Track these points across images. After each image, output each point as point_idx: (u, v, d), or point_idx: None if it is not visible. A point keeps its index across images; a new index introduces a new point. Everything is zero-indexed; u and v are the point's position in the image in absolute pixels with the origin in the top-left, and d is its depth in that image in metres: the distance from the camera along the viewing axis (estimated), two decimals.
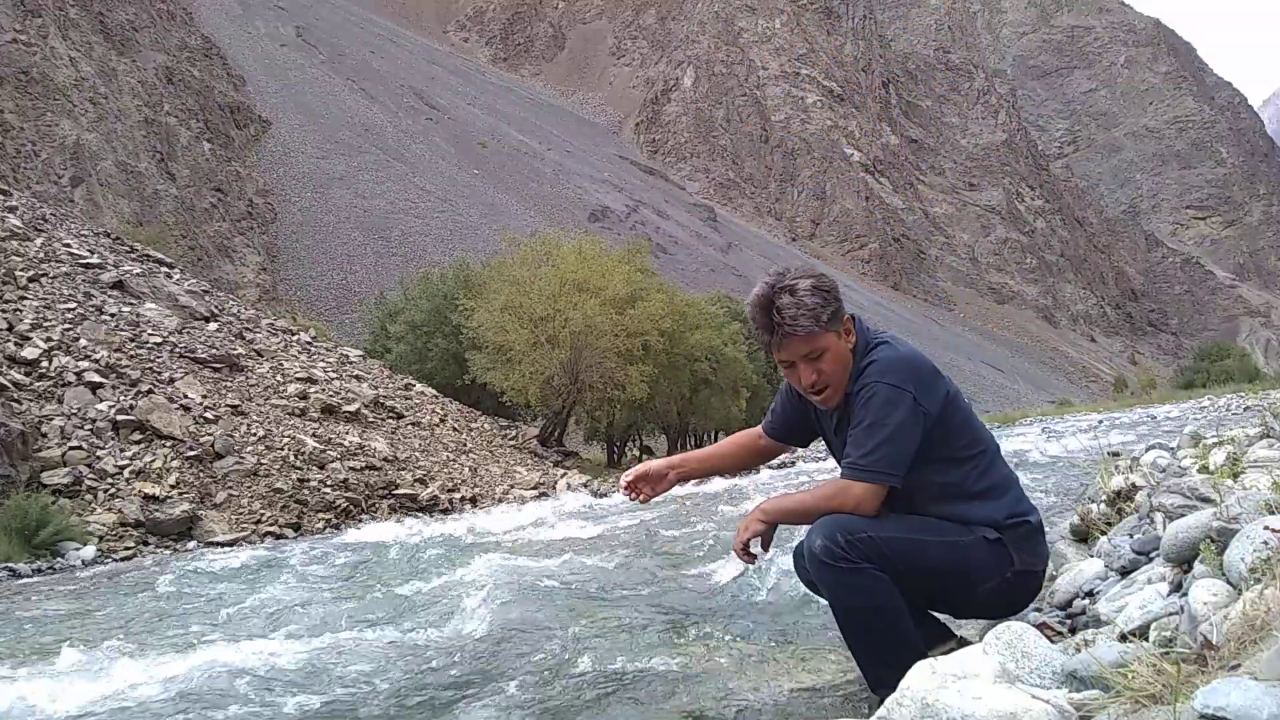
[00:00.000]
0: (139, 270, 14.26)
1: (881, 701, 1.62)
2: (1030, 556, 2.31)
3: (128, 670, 3.23)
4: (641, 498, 2.61)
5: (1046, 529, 4.31)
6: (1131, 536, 2.61)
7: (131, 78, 44.49)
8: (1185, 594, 1.76)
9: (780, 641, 3.02)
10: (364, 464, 11.47)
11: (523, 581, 4.85)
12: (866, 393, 2.22)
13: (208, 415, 10.57)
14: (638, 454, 26.26)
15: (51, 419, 9.15)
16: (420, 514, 10.59)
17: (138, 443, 9.49)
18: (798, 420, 2.56)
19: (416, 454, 12.99)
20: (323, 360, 15.26)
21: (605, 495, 12.52)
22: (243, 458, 10.09)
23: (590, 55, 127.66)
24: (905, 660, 2.01)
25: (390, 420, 14.04)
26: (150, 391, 10.35)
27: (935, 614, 2.45)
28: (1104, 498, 3.36)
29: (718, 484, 12.86)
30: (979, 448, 2.33)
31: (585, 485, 14.02)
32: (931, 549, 2.19)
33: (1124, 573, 2.44)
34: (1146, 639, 1.76)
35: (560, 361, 18.28)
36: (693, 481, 2.72)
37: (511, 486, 13.25)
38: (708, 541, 5.69)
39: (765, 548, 2.39)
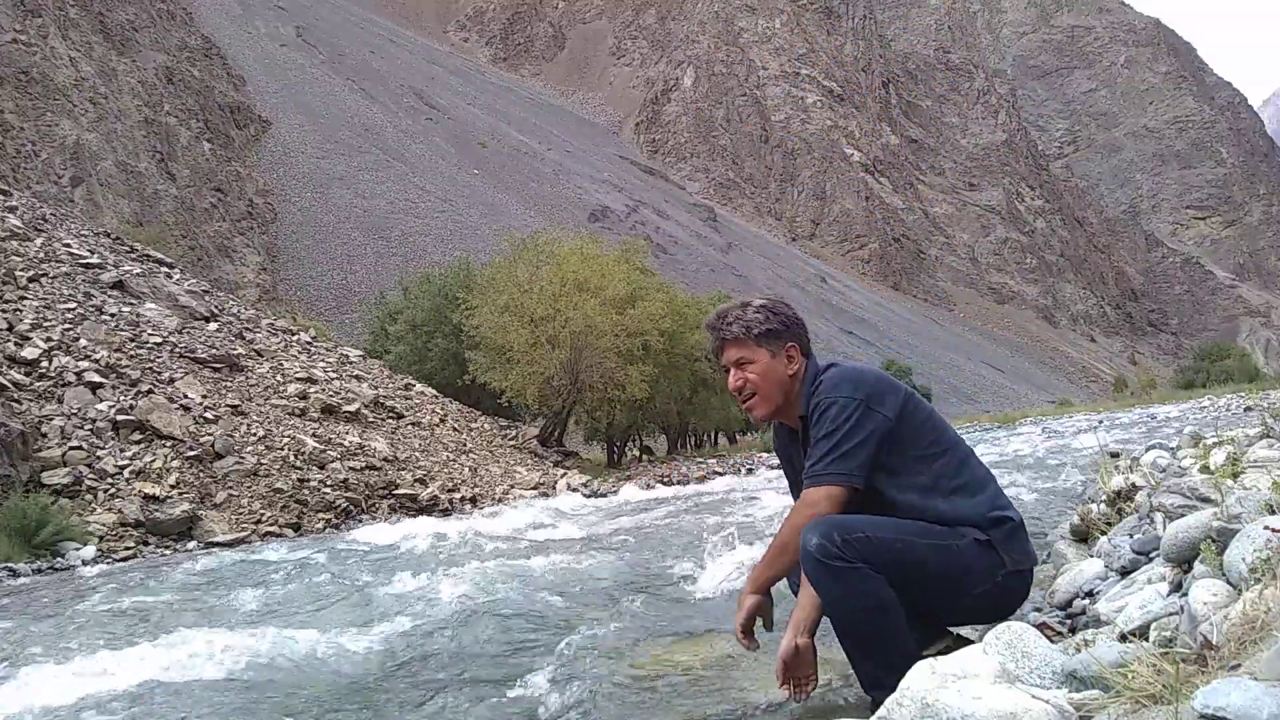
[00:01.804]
0: (139, 270, 14.25)
1: (879, 701, 1.62)
2: (1020, 556, 2.32)
3: (126, 670, 3.23)
4: (811, 687, 2.25)
5: (1047, 529, 4.32)
6: (1131, 536, 2.61)
7: (131, 78, 44.49)
8: (1185, 594, 1.76)
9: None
10: (364, 464, 11.46)
11: (522, 582, 4.85)
12: (819, 409, 2.31)
13: (208, 415, 10.57)
14: (638, 454, 26.22)
15: (51, 419, 9.15)
16: (420, 514, 10.58)
17: (138, 443, 9.49)
18: (796, 471, 2.57)
19: (416, 454, 12.99)
20: (323, 360, 15.25)
21: (605, 495, 12.52)
22: (243, 458, 10.09)
23: (590, 55, 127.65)
24: (899, 660, 2.01)
25: (390, 420, 14.04)
26: (150, 391, 10.34)
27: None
28: (1104, 498, 3.37)
29: (717, 485, 12.87)
30: (946, 444, 2.37)
31: (585, 485, 14.02)
32: (925, 550, 2.20)
33: (1124, 573, 2.44)
34: (1146, 639, 1.75)
35: (560, 361, 18.26)
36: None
37: (511, 486, 13.25)
38: (707, 542, 5.68)
39: (768, 625, 2.31)
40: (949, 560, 2.22)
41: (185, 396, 10.70)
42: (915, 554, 2.19)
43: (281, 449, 10.71)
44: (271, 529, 9.23)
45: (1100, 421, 24.67)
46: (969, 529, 2.27)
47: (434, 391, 18.09)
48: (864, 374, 2.35)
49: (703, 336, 20.21)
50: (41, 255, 12.36)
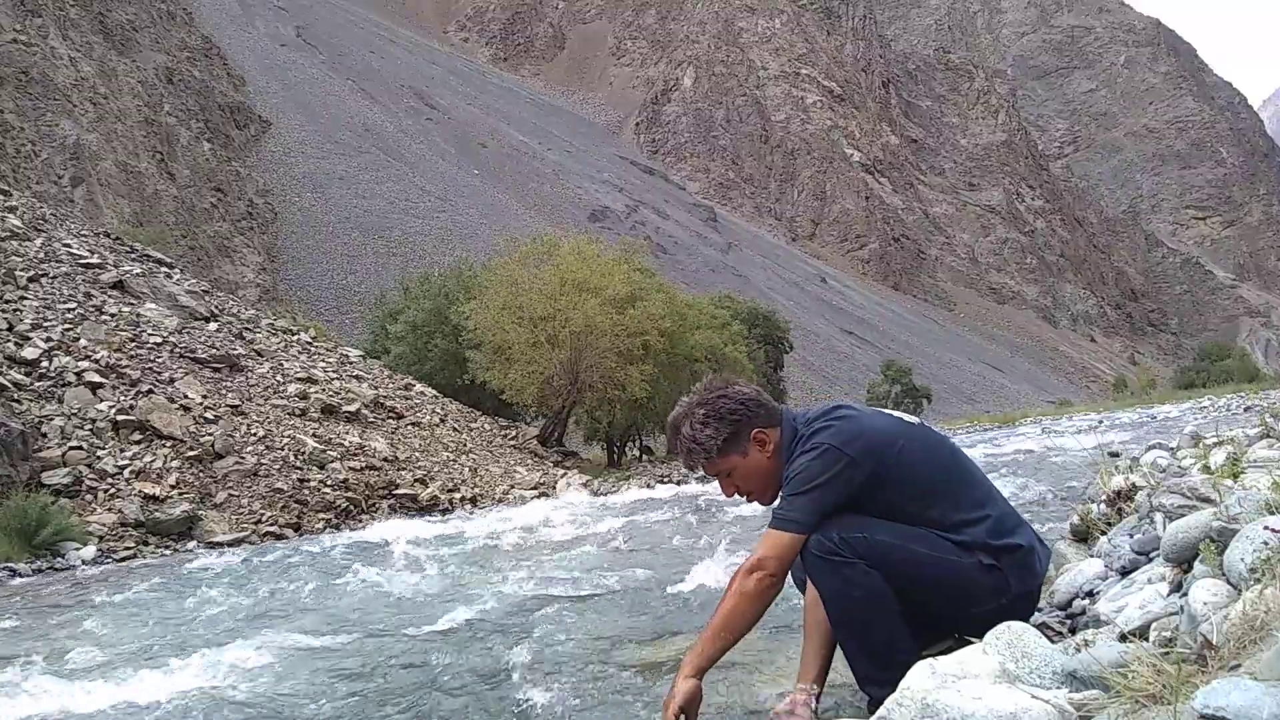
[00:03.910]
0: (139, 270, 14.25)
1: (875, 700, 1.61)
2: (1029, 577, 2.27)
3: (123, 671, 3.23)
4: None
5: (1047, 529, 4.31)
6: (1131, 536, 2.60)
7: (131, 78, 44.49)
8: (1185, 594, 1.76)
9: (778, 642, 3.02)
10: (364, 464, 11.46)
11: (521, 582, 4.86)
12: (794, 456, 2.26)
13: (208, 415, 10.57)
14: (638, 454, 26.22)
15: (51, 419, 9.15)
16: (420, 514, 10.59)
17: (138, 443, 9.49)
18: None
19: (416, 454, 12.99)
20: (323, 360, 15.25)
21: (605, 495, 12.52)
22: (243, 458, 10.09)
23: (590, 55, 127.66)
24: (894, 659, 2.01)
25: (390, 420, 14.04)
26: (150, 391, 10.34)
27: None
28: (1104, 498, 3.36)
29: (717, 485, 12.87)
30: (941, 475, 2.29)
31: (585, 485, 14.02)
32: (925, 560, 2.17)
33: (1124, 573, 2.44)
34: (1146, 639, 1.75)
35: (560, 361, 18.26)
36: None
37: (511, 486, 13.25)
38: (705, 542, 5.69)
39: (693, 717, 2.11)
40: (951, 572, 2.18)
41: (185, 396, 10.70)
42: (916, 561, 2.16)
43: (281, 449, 10.71)
44: (271, 529, 9.23)
45: (1100, 421, 24.68)
46: (976, 552, 2.21)
47: (434, 391, 18.08)
48: (844, 430, 2.24)
49: (703, 336, 19.87)
50: (41, 255, 12.37)
